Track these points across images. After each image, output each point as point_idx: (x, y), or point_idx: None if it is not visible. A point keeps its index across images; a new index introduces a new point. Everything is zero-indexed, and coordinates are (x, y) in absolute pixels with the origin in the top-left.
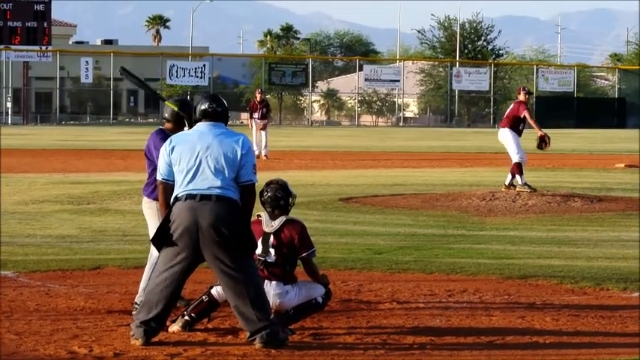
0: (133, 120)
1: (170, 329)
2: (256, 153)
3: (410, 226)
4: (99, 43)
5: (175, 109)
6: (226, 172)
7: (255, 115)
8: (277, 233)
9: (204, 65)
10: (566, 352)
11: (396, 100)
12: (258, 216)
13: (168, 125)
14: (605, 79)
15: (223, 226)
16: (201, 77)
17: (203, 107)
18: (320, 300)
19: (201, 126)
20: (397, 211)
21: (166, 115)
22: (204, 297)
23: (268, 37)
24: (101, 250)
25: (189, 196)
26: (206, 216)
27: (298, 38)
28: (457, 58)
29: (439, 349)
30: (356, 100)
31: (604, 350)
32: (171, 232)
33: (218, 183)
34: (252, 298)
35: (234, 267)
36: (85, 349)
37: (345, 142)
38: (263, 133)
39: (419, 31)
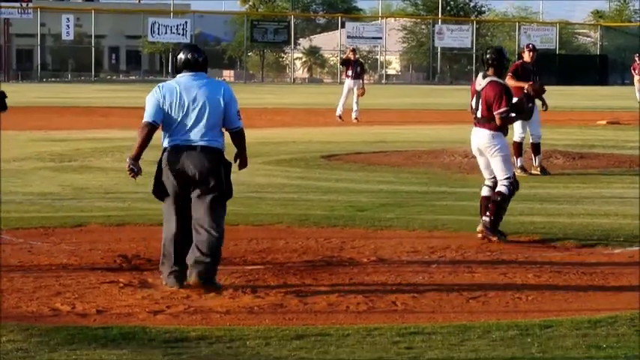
0: (114, 77)
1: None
2: (338, 113)
3: (392, 183)
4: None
5: None
6: (211, 123)
7: (350, 72)
8: (482, 91)
9: (186, 22)
10: (548, 308)
11: (378, 57)
12: (475, 77)
13: None
14: (588, 36)
15: (207, 175)
16: (182, 34)
17: (184, 57)
18: (505, 190)
19: (184, 77)
20: (379, 168)
21: None
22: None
23: None
24: (83, 207)
25: (176, 147)
26: (192, 164)
27: None
28: (439, 15)
29: (421, 306)
30: (338, 58)
31: (585, 306)
32: (163, 181)
33: (203, 134)
34: (210, 239)
35: (210, 210)
36: (68, 306)
37: (328, 100)
38: (355, 94)
39: None
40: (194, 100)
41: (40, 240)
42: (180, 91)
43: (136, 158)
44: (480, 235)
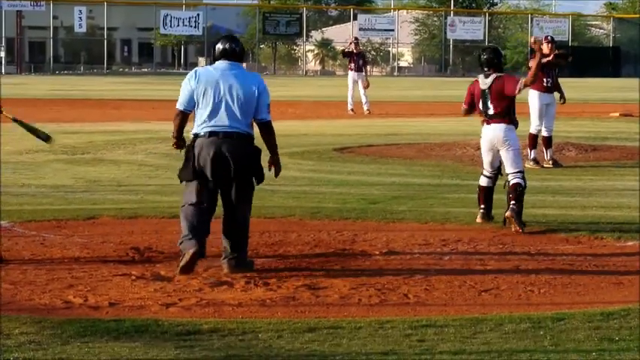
0: (126, 70)
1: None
2: (349, 107)
3: (404, 176)
4: None
5: None
6: (245, 112)
7: (352, 65)
8: (490, 88)
9: (198, 15)
10: (560, 301)
11: (390, 49)
12: (477, 78)
13: None
14: (600, 28)
15: (243, 162)
16: (195, 27)
17: (221, 47)
18: (522, 182)
19: (222, 65)
20: (392, 160)
21: None
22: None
23: None
24: (96, 200)
25: (212, 133)
26: (229, 151)
27: None
28: (452, 7)
29: (433, 299)
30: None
31: (597, 298)
32: (196, 165)
33: (238, 122)
34: (238, 227)
35: (239, 197)
36: (80, 298)
37: (340, 92)
38: (361, 86)
39: None
40: (230, 87)
41: (53, 232)
42: (217, 77)
43: (178, 136)
44: (479, 220)
